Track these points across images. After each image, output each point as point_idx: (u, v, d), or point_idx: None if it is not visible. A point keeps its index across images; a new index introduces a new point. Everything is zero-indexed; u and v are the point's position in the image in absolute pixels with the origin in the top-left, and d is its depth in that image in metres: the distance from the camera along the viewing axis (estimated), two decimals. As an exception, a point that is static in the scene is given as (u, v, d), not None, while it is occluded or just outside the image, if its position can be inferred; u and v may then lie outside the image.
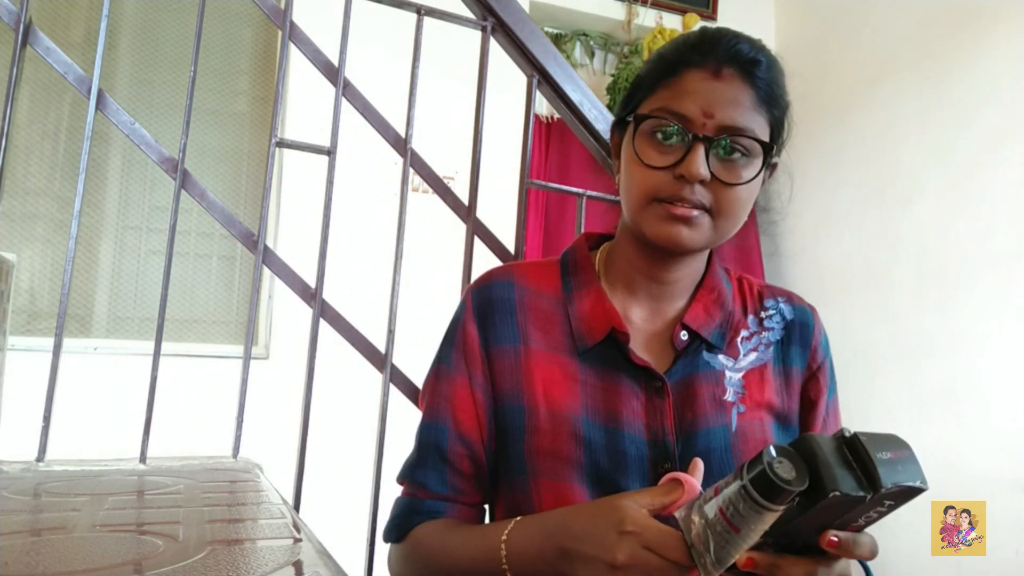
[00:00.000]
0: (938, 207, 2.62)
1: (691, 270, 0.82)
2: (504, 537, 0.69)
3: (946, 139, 2.62)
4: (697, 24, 3.25)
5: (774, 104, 0.73)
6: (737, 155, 0.71)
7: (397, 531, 0.81)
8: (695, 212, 0.72)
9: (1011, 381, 2.32)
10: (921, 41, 2.76)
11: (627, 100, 0.79)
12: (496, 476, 0.81)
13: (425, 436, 0.82)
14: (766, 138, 0.73)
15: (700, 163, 0.69)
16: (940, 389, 2.54)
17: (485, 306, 0.82)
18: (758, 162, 0.73)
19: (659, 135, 0.72)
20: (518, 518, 0.71)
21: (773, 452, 0.51)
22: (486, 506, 0.85)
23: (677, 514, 0.58)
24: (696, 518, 0.55)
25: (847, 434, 0.54)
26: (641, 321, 0.81)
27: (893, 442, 0.55)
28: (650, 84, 0.75)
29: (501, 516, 0.81)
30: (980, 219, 2.47)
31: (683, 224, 0.72)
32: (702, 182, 0.71)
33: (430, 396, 0.83)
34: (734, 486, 0.52)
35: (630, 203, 0.76)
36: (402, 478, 0.83)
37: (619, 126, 0.81)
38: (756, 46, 0.73)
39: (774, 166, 0.79)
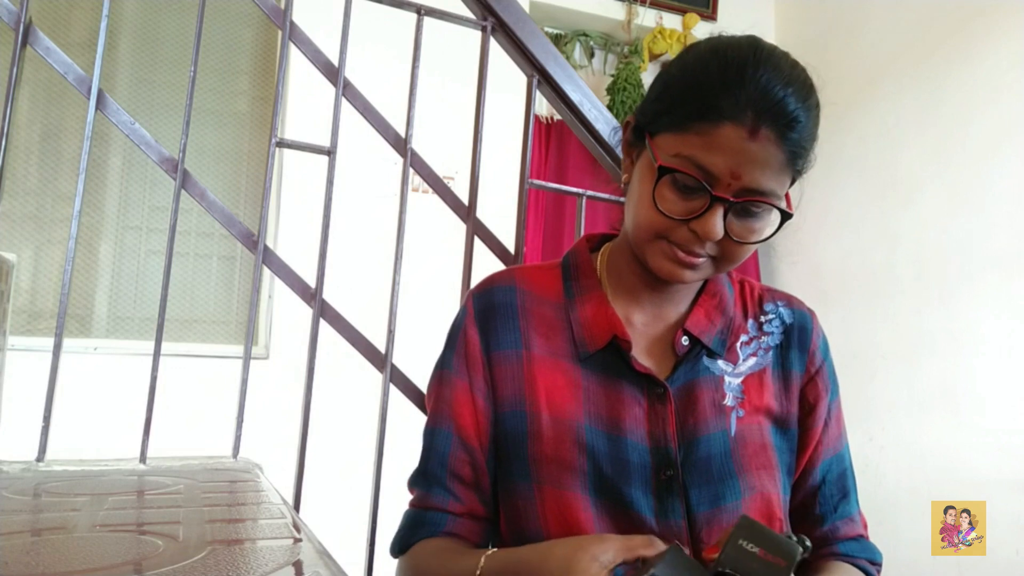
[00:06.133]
0: (938, 207, 2.62)
1: None
2: (478, 572, 0.69)
3: (946, 139, 2.62)
4: (697, 24, 3.25)
5: (801, 158, 0.70)
6: (751, 215, 0.71)
7: (399, 544, 0.81)
8: (700, 260, 0.72)
9: (1011, 381, 2.32)
10: (921, 41, 2.75)
11: (655, 110, 0.73)
12: (495, 486, 0.81)
13: (428, 441, 0.82)
14: (784, 191, 0.71)
15: (717, 224, 0.68)
16: (940, 389, 2.54)
17: (487, 311, 0.82)
18: (772, 218, 0.72)
19: (680, 184, 0.69)
20: (492, 550, 0.72)
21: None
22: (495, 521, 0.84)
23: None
24: None
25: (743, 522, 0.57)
26: (642, 325, 0.81)
27: (776, 543, 0.54)
28: (684, 114, 0.69)
29: (504, 524, 0.80)
30: (980, 219, 2.47)
31: (687, 268, 0.72)
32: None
33: (434, 401, 0.84)
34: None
35: (636, 232, 0.74)
36: (410, 484, 0.84)
37: (637, 133, 0.76)
38: (801, 96, 0.67)
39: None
